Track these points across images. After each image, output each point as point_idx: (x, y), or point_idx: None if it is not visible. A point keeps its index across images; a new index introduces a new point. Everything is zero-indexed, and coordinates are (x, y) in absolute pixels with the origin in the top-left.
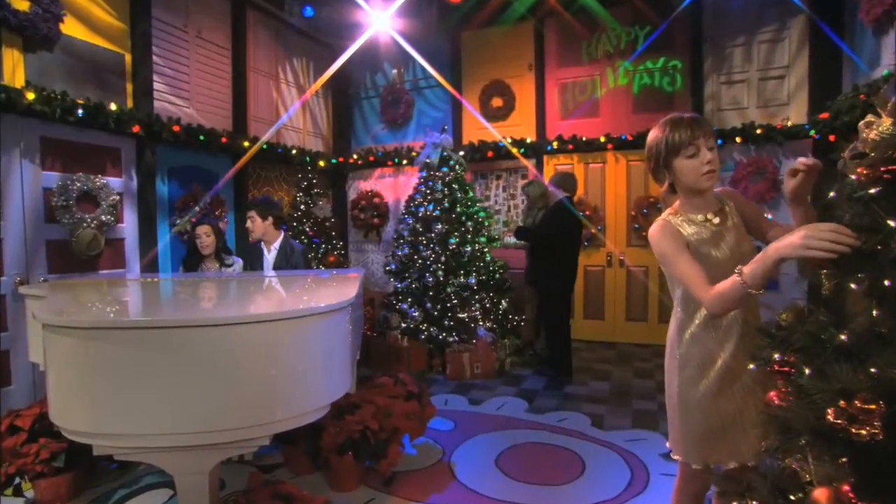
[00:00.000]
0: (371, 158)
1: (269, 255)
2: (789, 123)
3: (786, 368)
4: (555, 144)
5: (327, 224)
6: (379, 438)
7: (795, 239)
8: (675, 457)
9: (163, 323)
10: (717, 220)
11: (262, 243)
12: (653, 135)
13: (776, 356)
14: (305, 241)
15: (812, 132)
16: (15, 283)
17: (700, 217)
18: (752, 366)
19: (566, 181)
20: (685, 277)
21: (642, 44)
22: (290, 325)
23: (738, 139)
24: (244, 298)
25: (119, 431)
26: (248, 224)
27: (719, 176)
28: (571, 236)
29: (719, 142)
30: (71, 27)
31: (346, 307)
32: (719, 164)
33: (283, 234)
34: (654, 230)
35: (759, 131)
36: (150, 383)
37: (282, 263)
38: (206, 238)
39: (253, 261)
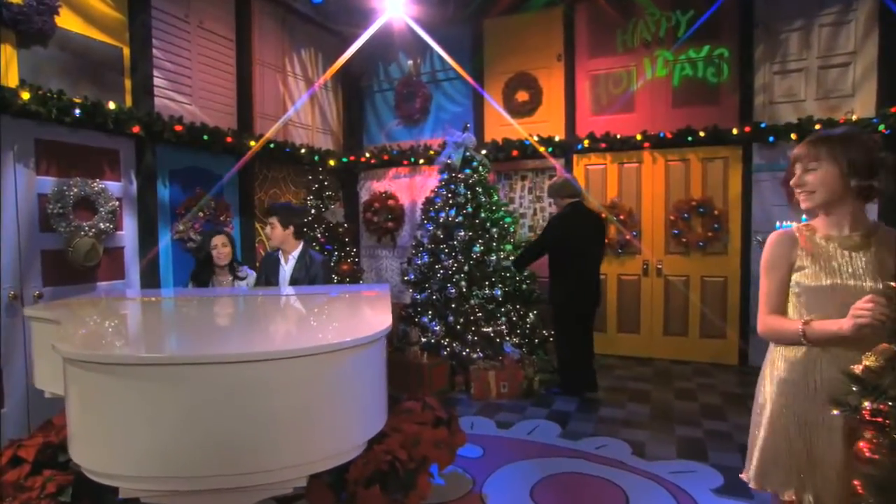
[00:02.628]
0: (385, 157)
1: (287, 266)
2: (854, 117)
3: (878, 419)
4: (586, 143)
5: (340, 230)
6: (407, 469)
7: (848, 318)
8: (753, 486)
9: (193, 359)
10: (849, 243)
11: (280, 252)
12: None
13: (866, 404)
14: (317, 248)
15: (881, 127)
16: (9, 297)
17: (833, 233)
18: (835, 411)
19: (562, 190)
20: (763, 291)
21: (685, 31)
22: (329, 359)
23: (793, 136)
24: (276, 325)
25: (147, 473)
26: (268, 230)
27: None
28: (567, 245)
29: (770, 139)
30: (66, 20)
31: (384, 336)
32: (818, 186)
33: (302, 243)
34: (773, 233)
35: (818, 126)
36: (180, 422)
37: (300, 275)
38: (223, 248)
39: (259, 271)
